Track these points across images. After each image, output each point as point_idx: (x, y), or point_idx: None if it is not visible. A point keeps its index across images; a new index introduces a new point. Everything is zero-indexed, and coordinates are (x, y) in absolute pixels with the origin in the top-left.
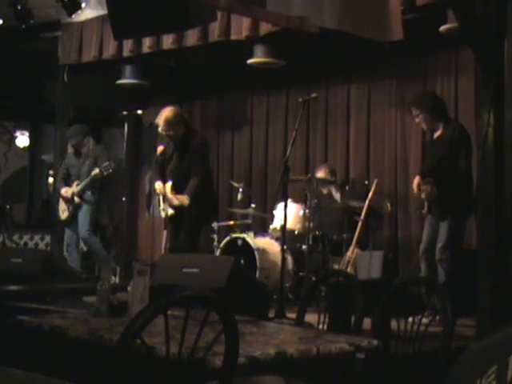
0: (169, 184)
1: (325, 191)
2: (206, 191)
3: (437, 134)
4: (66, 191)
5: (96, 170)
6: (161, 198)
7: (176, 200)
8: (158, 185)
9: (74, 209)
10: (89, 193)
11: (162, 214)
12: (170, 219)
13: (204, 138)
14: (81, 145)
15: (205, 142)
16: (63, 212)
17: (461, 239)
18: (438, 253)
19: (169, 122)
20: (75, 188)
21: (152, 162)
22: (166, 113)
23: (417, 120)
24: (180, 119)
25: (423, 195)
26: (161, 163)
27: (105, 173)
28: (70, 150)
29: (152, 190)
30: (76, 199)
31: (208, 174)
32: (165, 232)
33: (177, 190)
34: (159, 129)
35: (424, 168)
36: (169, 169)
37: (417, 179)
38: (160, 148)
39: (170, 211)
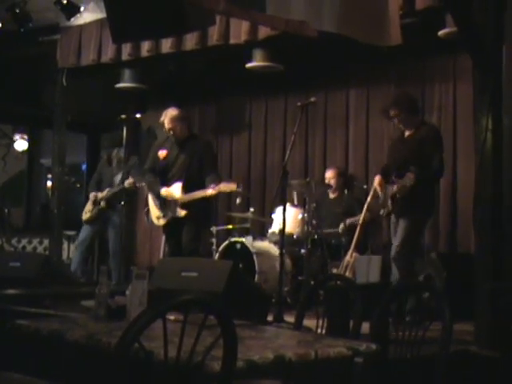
0: (179, 185)
1: (332, 195)
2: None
3: (408, 132)
4: (94, 195)
5: (130, 180)
6: (156, 204)
7: (214, 190)
8: (166, 191)
9: (98, 212)
10: (119, 205)
11: (161, 222)
12: (168, 224)
13: (210, 140)
14: (111, 155)
15: (211, 142)
16: (86, 213)
17: (419, 238)
18: (393, 251)
19: (175, 119)
20: (105, 194)
21: (144, 170)
22: (171, 111)
23: (395, 121)
24: (185, 118)
25: (396, 188)
26: (162, 170)
27: (137, 184)
28: (104, 157)
29: (154, 197)
30: (102, 203)
31: None
32: (163, 237)
33: (187, 190)
34: (165, 126)
35: (386, 166)
36: (173, 172)
37: (378, 178)
38: (163, 153)
39: (183, 212)
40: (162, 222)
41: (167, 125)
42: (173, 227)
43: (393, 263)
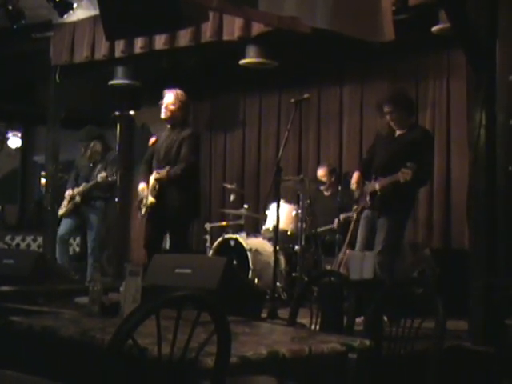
0: (153, 175)
1: (326, 193)
2: (192, 185)
3: (400, 132)
4: (70, 192)
5: (103, 174)
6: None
7: (156, 174)
8: (142, 189)
9: (74, 206)
10: (99, 202)
11: (142, 210)
12: (150, 214)
13: (197, 130)
14: (87, 148)
15: (197, 134)
16: (62, 208)
17: (401, 240)
18: (377, 256)
19: (180, 101)
20: (81, 189)
21: (142, 161)
22: (182, 93)
23: (388, 117)
24: (187, 106)
25: (372, 187)
26: (150, 159)
27: (109, 178)
28: (81, 150)
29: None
30: (77, 198)
31: (197, 167)
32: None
33: None
34: (164, 101)
35: (366, 162)
36: (155, 160)
37: (356, 175)
38: (153, 139)
39: (151, 199)
40: (143, 210)
41: (169, 99)
42: (154, 218)
43: (377, 267)
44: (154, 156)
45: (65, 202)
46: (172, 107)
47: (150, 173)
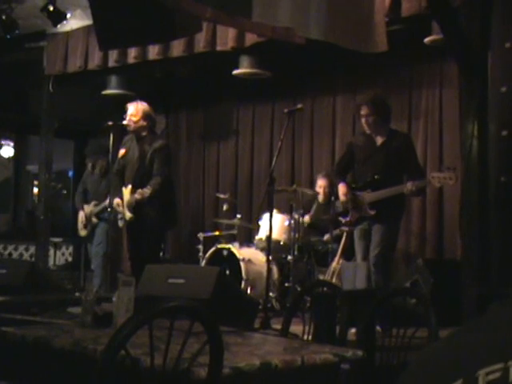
0: (128, 188)
1: (322, 202)
2: (166, 195)
3: (381, 140)
4: (82, 213)
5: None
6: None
7: (137, 195)
8: (117, 203)
9: (92, 227)
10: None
11: (120, 224)
12: (128, 227)
13: (167, 142)
14: (96, 164)
15: (168, 145)
16: (81, 230)
17: (395, 242)
18: (372, 260)
19: (143, 112)
20: (93, 208)
21: (112, 173)
22: (143, 103)
23: (363, 120)
24: (151, 117)
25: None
26: (121, 170)
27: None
28: (89, 166)
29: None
30: (94, 219)
31: (170, 178)
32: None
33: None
34: (128, 113)
35: (342, 174)
36: (128, 172)
37: (344, 188)
38: (122, 151)
39: (129, 215)
40: (120, 224)
41: (131, 111)
42: (132, 231)
43: (373, 269)
44: (125, 168)
45: (80, 225)
46: (134, 118)
47: (123, 184)
